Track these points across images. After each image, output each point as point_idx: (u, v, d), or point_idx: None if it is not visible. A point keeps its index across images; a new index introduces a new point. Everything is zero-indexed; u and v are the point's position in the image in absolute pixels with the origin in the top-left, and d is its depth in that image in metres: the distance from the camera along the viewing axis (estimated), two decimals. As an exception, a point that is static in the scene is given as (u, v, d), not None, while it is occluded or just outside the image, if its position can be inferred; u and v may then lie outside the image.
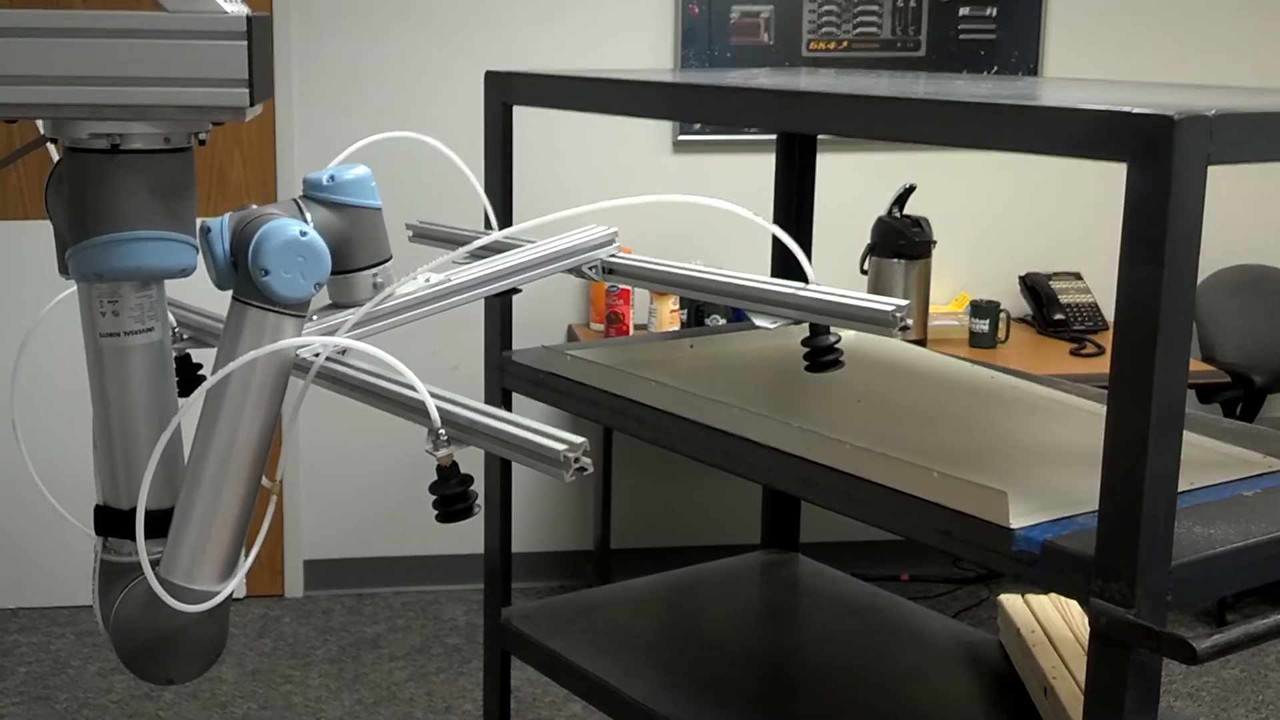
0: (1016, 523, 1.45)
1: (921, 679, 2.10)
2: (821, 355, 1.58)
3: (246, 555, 1.35)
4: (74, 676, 3.86)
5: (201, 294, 1.43)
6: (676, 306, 4.26)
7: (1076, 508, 1.50)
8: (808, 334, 1.61)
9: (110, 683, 3.81)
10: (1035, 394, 2.01)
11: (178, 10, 1.22)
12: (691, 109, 2.18)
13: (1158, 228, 1.24)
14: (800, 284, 1.58)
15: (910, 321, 1.46)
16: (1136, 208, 1.26)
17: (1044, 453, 1.74)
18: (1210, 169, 1.25)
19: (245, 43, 1.22)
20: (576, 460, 1.13)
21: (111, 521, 1.37)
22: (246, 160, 4.32)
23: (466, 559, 4.53)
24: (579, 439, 1.14)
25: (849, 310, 1.52)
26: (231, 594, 1.33)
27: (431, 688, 3.83)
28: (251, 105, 1.24)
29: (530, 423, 1.19)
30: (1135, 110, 1.26)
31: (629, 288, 4.25)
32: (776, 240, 2.22)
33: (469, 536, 4.48)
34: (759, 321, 1.59)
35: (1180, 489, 1.38)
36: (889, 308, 1.49)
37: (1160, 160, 1.23)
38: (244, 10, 1.25)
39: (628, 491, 4.59)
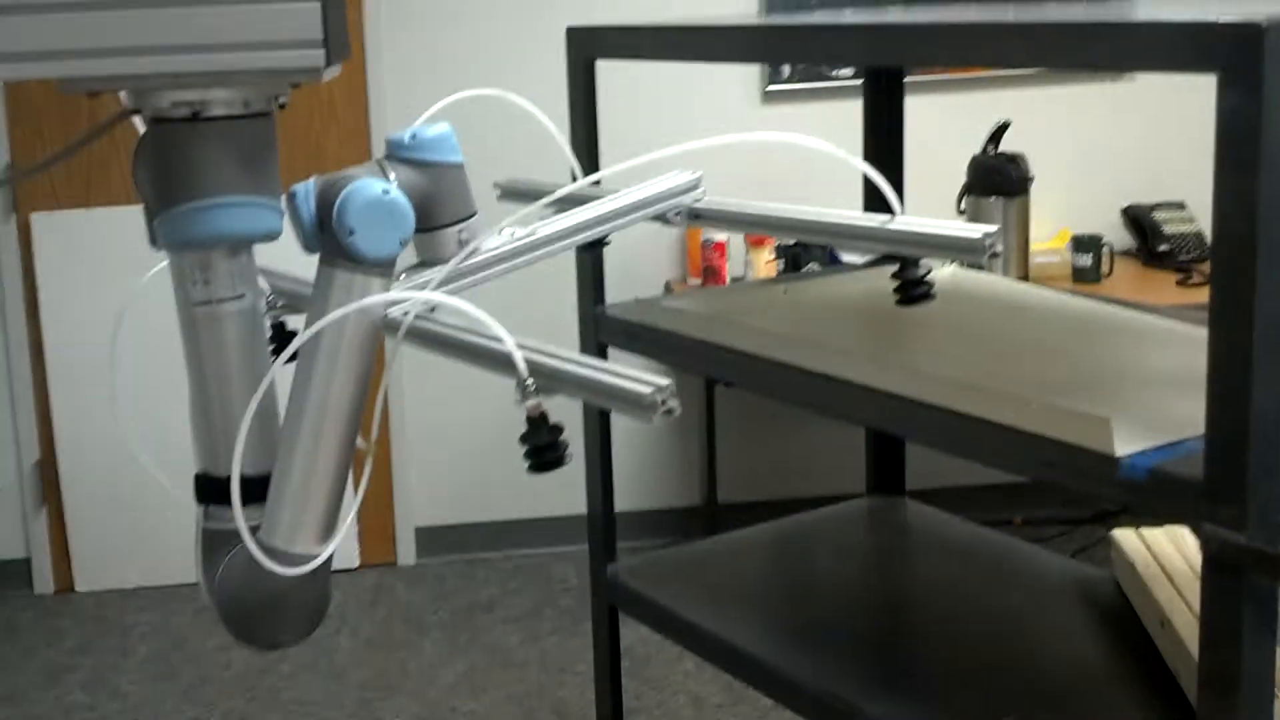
0: (1121, 449, 1.42)
1: (1036, 618, 2.07)
2: (912, 289, 1.55)
3: (346, 517, 1.36)
4: (194, 653, 3.93)
5: (297, 261, 1.44)
6: (772, 257, 4.24)
7: (1184, 432, 1.46)
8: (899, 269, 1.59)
9: (229, 657, 3.87)
10: (1138, 322, 1.97)
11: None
12: (775, 48, 2.16)
13: (1251, 138, 1.21)
14: (888, 215, 1.56)
15: (1000, 248, 1.43)
16: (1229, 119, 1.23)
17: (1148, 379, 1.71)
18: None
19: (319, 3, 1.22)
20: (663, 402, 1.12)
21: (211, 489, 1.38)
22: (342, 136, 4.36)
23: (576, 520, 4.55)
24: (665, 381, 1.13)
25: (938, 240, 1.50)
26: (332, 556, 1.34)
27: (545, 650, 3.85)
28: (328, 65, 1.24)
29: (617, 368, 1.18)
30: (1223, 20, 1.23)
31: (724, 240, 4.24)
32: (868, 184, 2.20)
33: (577, 497, 4.50)
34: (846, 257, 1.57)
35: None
36: (978, 234, 1.46)
37: (1250, 69, 1.20)
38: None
39: (733, 446, 4.58)
